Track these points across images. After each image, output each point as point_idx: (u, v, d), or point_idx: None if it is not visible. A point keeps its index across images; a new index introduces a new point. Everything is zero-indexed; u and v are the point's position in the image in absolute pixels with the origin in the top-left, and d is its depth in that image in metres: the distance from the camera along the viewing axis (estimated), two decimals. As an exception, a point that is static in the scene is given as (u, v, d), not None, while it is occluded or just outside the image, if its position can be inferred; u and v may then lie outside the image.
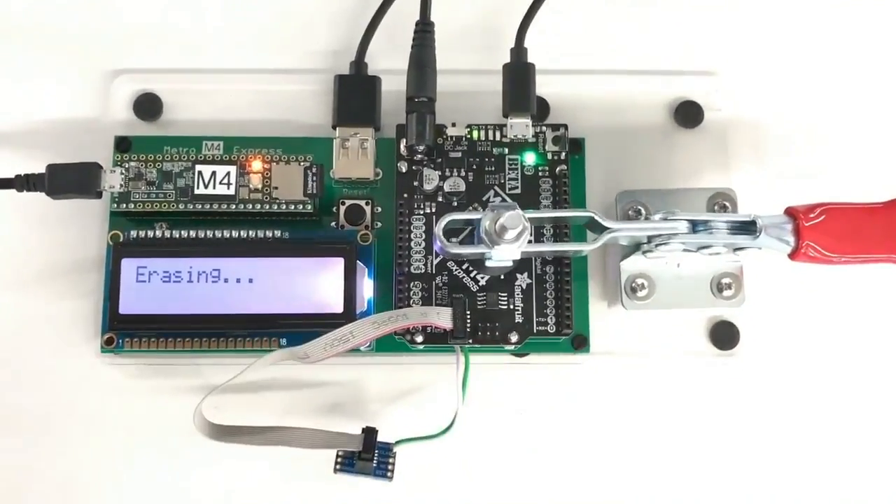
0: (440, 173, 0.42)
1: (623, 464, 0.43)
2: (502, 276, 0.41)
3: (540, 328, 0.41)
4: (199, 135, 0.43)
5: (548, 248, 0.41)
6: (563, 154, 0.42)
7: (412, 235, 0.41)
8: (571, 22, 0.46)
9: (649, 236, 0.39)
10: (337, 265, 0.40)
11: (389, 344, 0.41)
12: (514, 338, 0.40)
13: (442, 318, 0.39)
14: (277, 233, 0.41)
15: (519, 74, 0.42)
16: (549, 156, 0.42)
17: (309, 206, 0.41)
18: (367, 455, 0.39)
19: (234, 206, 0.41)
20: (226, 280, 0.40)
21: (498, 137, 0.42)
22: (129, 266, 0.40)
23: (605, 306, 0.43)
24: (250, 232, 0.41)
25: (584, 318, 0.42)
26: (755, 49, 0.46)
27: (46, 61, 0.45)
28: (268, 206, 0.41)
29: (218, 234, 0.41)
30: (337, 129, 0.43)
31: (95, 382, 0.42)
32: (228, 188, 0.41)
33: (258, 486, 0.42)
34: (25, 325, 0.43)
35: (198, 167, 0.41)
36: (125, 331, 0.40)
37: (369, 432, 0.39)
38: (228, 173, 0.41)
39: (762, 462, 0.43)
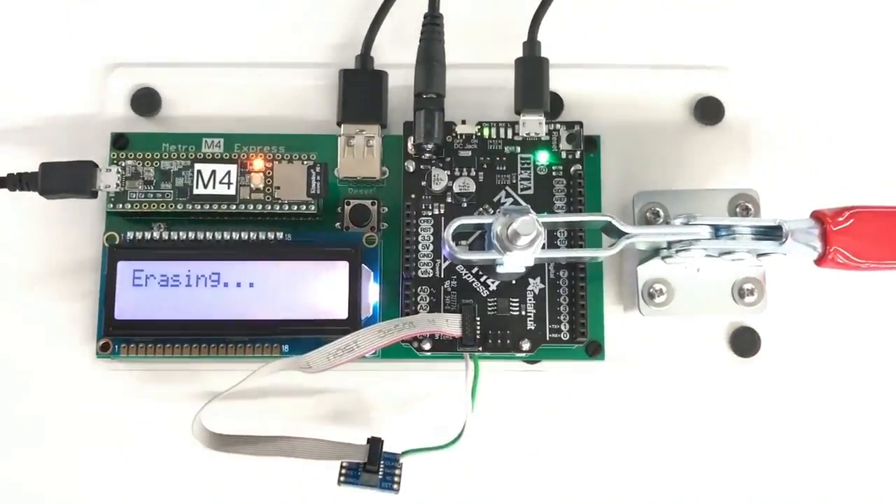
0: (449, 173, 0.41)
1: (640, 476, 0.42)
2: (514, 281, 0.40)
3: (553, 335, 0.40)
4: (199, 131, 0.43)
5: (562, 254, 0.40)
6: (578, 153, 0.42)
7: (420, 238, 0.41)
8: (587, 14, 0.45)
9: (669, 242, 0.38)
10: (341, 269, 0.40)
11: (396, 350, 0.40)
12: (525, 346, 0.40)
13: (451, 325, 0.39)
14: (279, 234, 0.40)
15: (532, 69, 0.42)
16: (564, 155, 0.42)
17: (312, 207, 0.41)
18: (373, 467, 0.38)
19: (234, 207, 0.41)
20: (225, 284, 0.40)
21: (510, 135, 0.42)
22: (125, 269, 0.40)
23: (621, 310, 0.43)
24: (251, 234, 0.40)
25: (598, 324, 0.41)
26: (778, 43, 0.45)
27: (40, 54, 0.44)
28: (269, 207, 0.41)
29: (217, 235, 0.40)
30: (342, 125, 0.42)
31: (91, 388, 0.42)
32: (229, 188, 0.41)
33: (259, 499, 0.42)
34: (19, 329, 0.42)
35: (197, 166, 0.41)
36: (121, 337, 0.40)
37: (374, 442, 0.39)
38: (229, 172, 0.41)
39: (783, 475, 0.42)
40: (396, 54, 0.43)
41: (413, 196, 0.41)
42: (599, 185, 0.42)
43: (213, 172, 0.40)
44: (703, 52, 0.45)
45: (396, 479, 0.39)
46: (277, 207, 0.40)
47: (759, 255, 0.38)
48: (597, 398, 0.42)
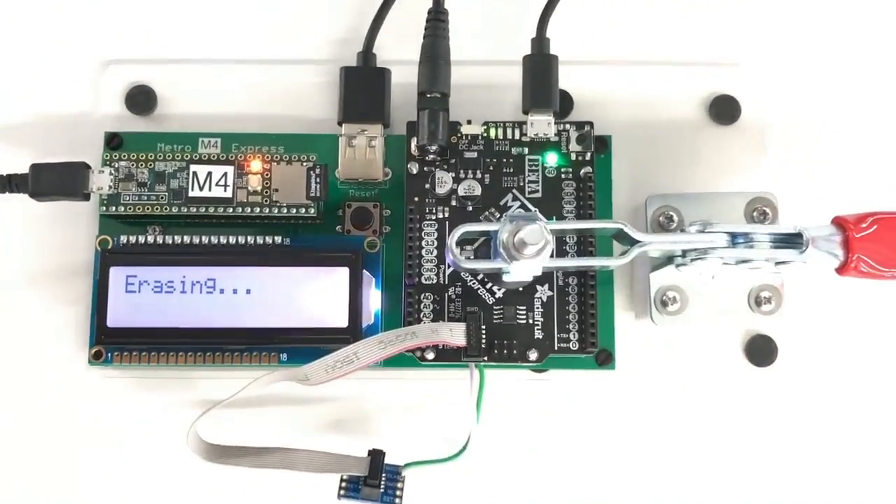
0: (454, 175, 0.41)
1: (653, 491, 0.41)
2: (520, 288, 0.40)
3: (562, 345, 0.40)
4: (196, 131, 0.43)
5: (572, 262, 0.39)
6: (588, 154, 0.41)
7: (423, 243, 0.40)
8: (597, 9, 0.44)
9: (684, 250, 0.37)
10: (341, 275, 0.39)
11: (398, 359, 0.39)
12: (533, 355, 0.39)
13: (455, 335, 0.38)
14: (278, 239, 0.40)
15: (540, 67, 0.41)
16: (573, 156, 0.41)
17: (312, 210, 0.40)
18: (374, 480, 0.38)
19: (231, 210, 0.40)
20: (221, 291, 0.39)
21: (517, 136, 0.41)
22: (117, 275, 0.39)
23: (632, 317, 0.42)
24: (248, 238, 0.40)
25: (609, 332, 0.41)
26: (797, 39, 0.44)
27: (32, 51, 0.44)
28: (267, 210, 0.40)
29: (214, 240, 0.40)
30: (343, 125, 0.42)
31: (84, 396, 0.42)
32: (225, 190, 0.40)
33: (256, 513, 0.41)
34: (10, 334, 0.42)
35: (192, 167, 0.40)
36: (113, 345, 0.40)
37: (376, 455, 0.38)
38: (225, 174, 0.40)
39: (799, 487, 0.42)
40: (400, 51, 0.42)
41: (416, 199, 0.41)
42: (610, 187, 0.42)
43: (210, 174, 0.40)
44: (717, 49, 0.44)
45: (399, 493, 0.38)
46: (276, 210, 0.40)
47: (777, 263, 0.37)
48: (607, 409, 0.42)
